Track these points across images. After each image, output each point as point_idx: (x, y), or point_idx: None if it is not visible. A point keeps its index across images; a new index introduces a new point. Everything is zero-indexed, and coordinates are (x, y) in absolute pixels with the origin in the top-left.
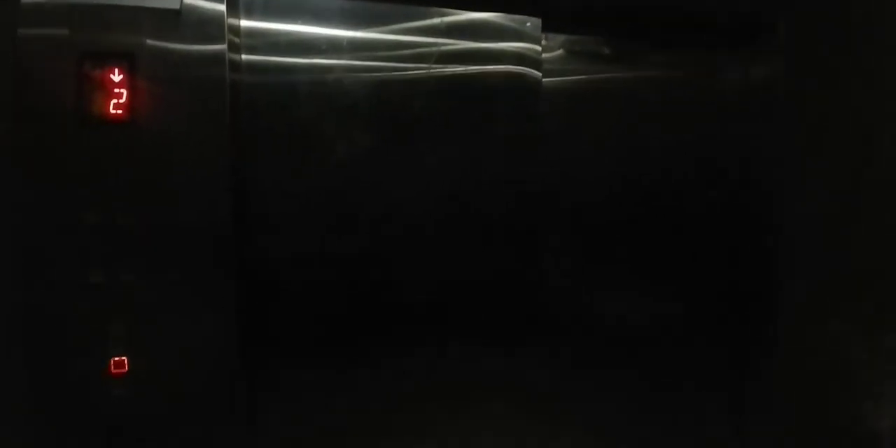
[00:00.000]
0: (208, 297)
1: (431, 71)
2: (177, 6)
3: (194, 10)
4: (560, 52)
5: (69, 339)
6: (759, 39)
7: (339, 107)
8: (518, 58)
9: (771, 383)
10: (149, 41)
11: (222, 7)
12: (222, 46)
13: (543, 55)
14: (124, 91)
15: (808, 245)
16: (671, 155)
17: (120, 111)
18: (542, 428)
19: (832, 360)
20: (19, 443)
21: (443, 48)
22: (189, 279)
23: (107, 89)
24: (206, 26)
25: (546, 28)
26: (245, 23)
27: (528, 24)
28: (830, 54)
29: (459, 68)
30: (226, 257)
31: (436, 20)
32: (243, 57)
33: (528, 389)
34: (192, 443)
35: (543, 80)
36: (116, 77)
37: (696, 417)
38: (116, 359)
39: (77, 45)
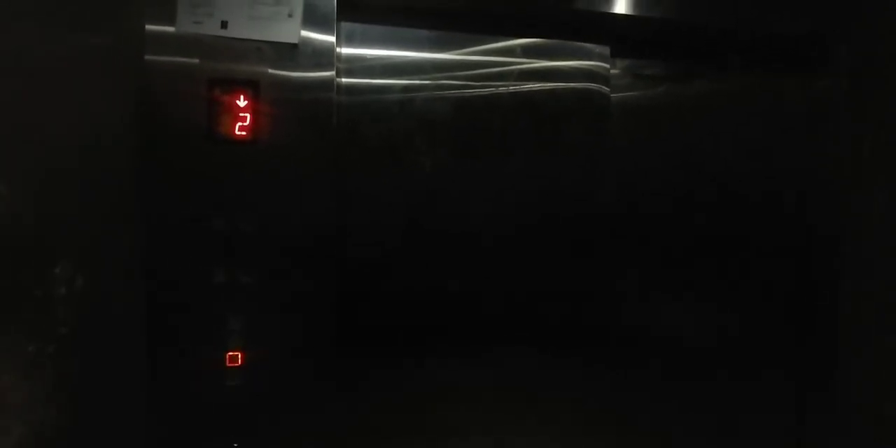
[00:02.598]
0: (313, 298)
1: (510, 89)
2: (295, 41)
3: (308, 41)
4: (626, 72)
5: (190, 334)
6: (819, 60)
7: (424, 123)
8: (588, 75)
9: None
10: (269, 70)
11: (332, 38)
12: (331, 73)
13: (612, 72)
14: (248, 114)
15: (872, 258)
16: (731, 169)
17: (244, 132)
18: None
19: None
20: (139, 430)
21: (520, 67)
22: (297, 281)
23: (233, 112)
24: (318, 55)
25: (614, 54)
26: (345, 50)
27: (598, 46)
28: (889, 72)
29: (536, 85)
30: (328, 262)
31: (512, 42)
32: (343, 80)
33: (583, 397)
34: (292, 427)
35: (612, 95)
36: (242, 102)
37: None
38: (232, 353)
39: (206, 72)
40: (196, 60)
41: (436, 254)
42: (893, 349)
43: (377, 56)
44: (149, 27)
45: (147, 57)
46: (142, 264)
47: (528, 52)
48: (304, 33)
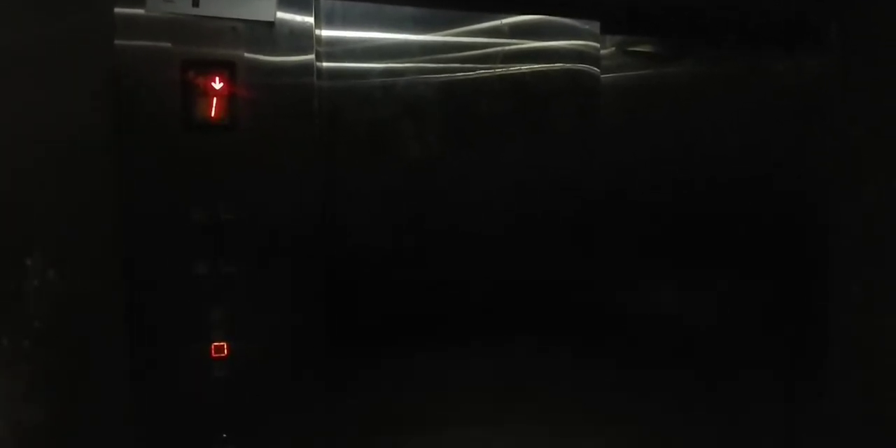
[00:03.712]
0: (299, 288)
1: (496, 71)
2: (272, 18)
3: (285, 21)
4: (617, 50)
5: (173, 327)
6: (811, 39)
7: (409, 108)
8: (578, 55)
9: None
10: (245, 52)
11: (311, 19)
12: (311, 56)
13: (602, 52)
14: (224, 98)
15: (862, 244)
16: (724, 152)
17: (220, 117)
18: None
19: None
20: (121, 426)
21: (507, 48)
22: (282, 271)
23: (208, 96)
24: (297, 37)
25: (604, 30)
26: (325, 32)
27: (588, 24)
28: (882, 54)
29: (523, 67)
30: (313, 252)
31: (498, 22)
32: (323, 64)
33: (573, 385)
34: (281, 420)
35: (602, 76)
36: (217, 84)
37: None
38: (217, 344)
39: (179, 55)
40: (168, 44)
41: (422, 242)
42: (880, 347)
43: (359, 38)
44: (117, 9)
45: (117, 41)
46: (119, 255)
47: (515, 31)
48: (281, 14)
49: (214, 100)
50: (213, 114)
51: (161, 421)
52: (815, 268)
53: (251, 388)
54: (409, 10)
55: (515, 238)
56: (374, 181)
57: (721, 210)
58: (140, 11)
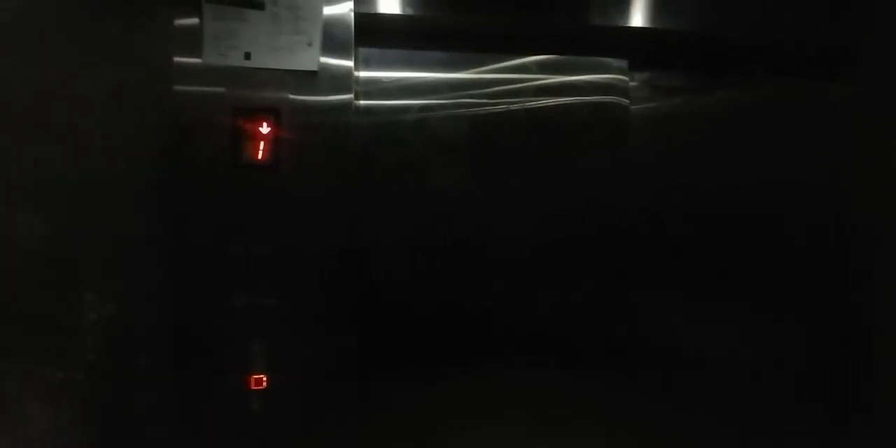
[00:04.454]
0: (334, 318)
1: (525, 105)
2: (315, 68)
3: (327, 67)
4: (645, 84)
5: (214, 358)
6: (839, 70)
7: (441, 142)
8: (606, 88)
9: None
10: (290, 96)
11: (350, 63)
12: (349, 96)
13: (630, 84)
14: (270, 140)
15: None
16: (755, 180)
17: (266, 157)
18: None
19: None
20: None
21: (536, 83)
22: (317, 302)
23: (255, 138)
24: (337, 81)
25: (633, 67)
26: (362, 74)
27: (617, 61)
28: None
29: (551, 100)
30: (348, 281)
31: (527, 59)
32: (360, 102)
33: (602, 411)
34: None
35: (631, 107)
36: (264, 128)
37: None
38: (256, 376)
39: (231, 101)
40: (221, 90)
41: (453, 272)
42: None
43: (393, 78)
44: (177, 60)
45: (176, 87)
46: (167, 290)
47: (544, 68)
48: (324, 59)
49: (261, 142)
50: (258, 155)
51: (204, 444)
52: (858, 292)
53: (288, 416)
54: (440, 52)
55: (542, 268)
56: (407, 212)
57: (756, 236)
58: (197, 61)
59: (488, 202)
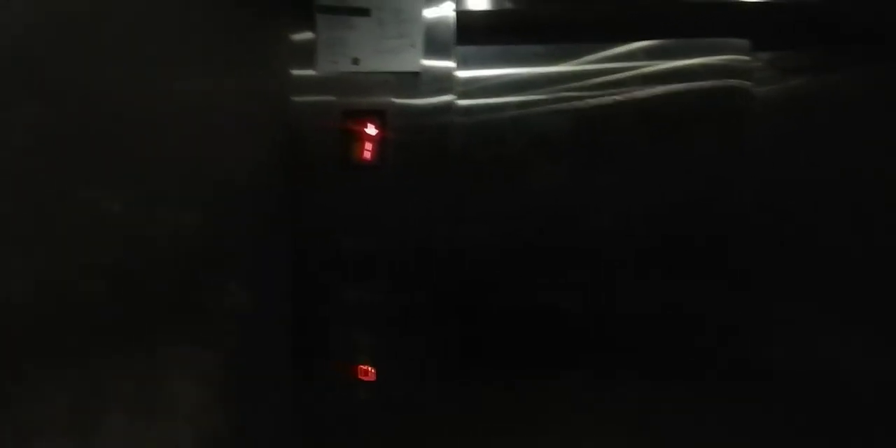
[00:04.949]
0: (435, 316)
1: (631, 95)
2: (418, 69)
3: (429, 68)
4: (769, 64)
5: (327, 348)
6: None
7: (543, 138)
8: (726, 70)
9: None
10: (394, 99)
11: (452, 64)
12: (450, 97)
13: (753, 65)
14: (375, 140)
15: None
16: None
17: (371, 157)
18: None
19: None
20: (285, 438)
21: (643, 70)
22: (421, 299)
23: (362, 139)
24: (438, 81)
25: (755, 47)
26: (462, 73)
27: (737, 41)
28: None
29: (661, 88)
30: (450, 280)
31: (634, 45)
32: (460, 102)
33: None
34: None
35: (754, 89)
36: (370, 130)
37: None
38: (364, 367)
39: (341, 106)
40: (332, 96)
41: (556, 272)
42: None
43: (493, 76)
44: (293, 71)
45: (292, 96)
46: (287, 283)
47: (652, 53)
48: (426, 62)
49: (367, 143)
50: (365, 155)
51: (316, 431)
52: None
53: (392, 406)
54: (539, 46)
55: (651, 270)
56: (508, 210)
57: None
58: (311, 72)
59: (593, 200)
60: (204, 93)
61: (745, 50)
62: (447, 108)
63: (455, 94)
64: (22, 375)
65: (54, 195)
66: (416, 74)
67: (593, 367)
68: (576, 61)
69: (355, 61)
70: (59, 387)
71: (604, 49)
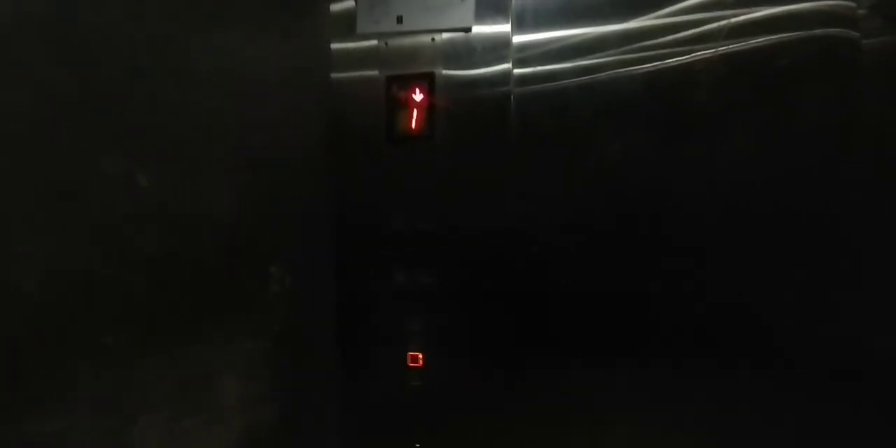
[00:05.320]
0: (491, 299)
1: (719, 50)
2: (470, 25)
3: (481, 30)
4: (874, 10)
5: (374, 334)
6: None
7: (611, 106)
8: (827, 18)
9: None
10: (443, 63)
11: (507, 26)
12: (507, 65)
13: (859, 12)
14: (424, 109)
15: None
16: None
17: (420, 127)
18: None
19: None
20: (334, 427)
21: (731, 21)
22: (474, 282)
23: (409, 107)
24: (492, 43)
25: None
26: (517, 38)
27: None
28: None
29: (754, 41)
30: (508, 264)
31: None
32: (515, 71)
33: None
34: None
35: (862, 41)
36: (417, 96)
37: None
38: (413, 354)
39: (385, 71)
40: (375, 63)
41: (628, 257)
42: None
43: (552, 39)
44: (333, 42)
45: (334, 64)
46: (334, 265)
47: (738, 1)
48: (478, 27)
49: (414, 111)
50: (412, 125)
51: (365, 418)
52: None
53: (444, 394)
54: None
55: (739, 255)
56: (574, 190)
57: None
58: (352, 38)
59: (672, 177)
60: (244, 62)
61: None
62: (505, 75)
63: (511, 62)
64: (62, 367)
65: (89, 171)
66: (467, 32)
67: (667, 355)
68: (649, 15)
69: (399, 20)
70: (100, 378)
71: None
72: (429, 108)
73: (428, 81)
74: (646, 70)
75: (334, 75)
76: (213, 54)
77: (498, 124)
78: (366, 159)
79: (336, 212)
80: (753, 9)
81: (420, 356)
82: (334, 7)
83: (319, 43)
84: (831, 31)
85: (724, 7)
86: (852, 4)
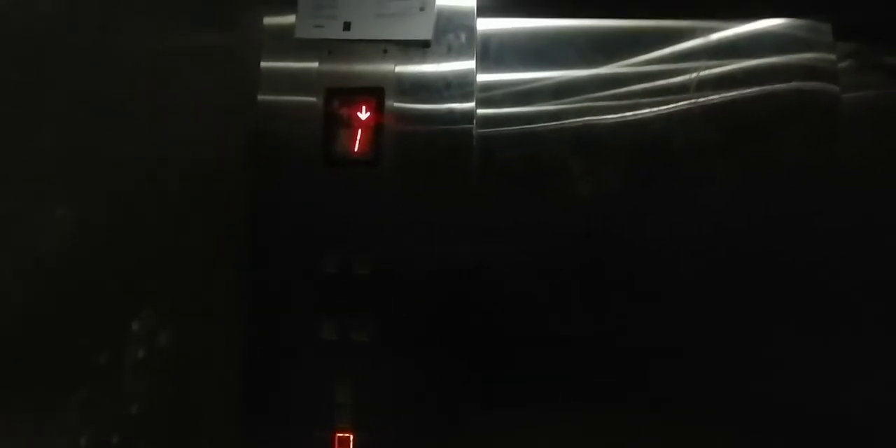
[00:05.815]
0: (447, 362)
1: (696, 101)
2: (428, 37)
3: (442, 40)
4: (855, 62)
5: (294, 408)
6: None
7: (580, 150)
8: (807, 71)
9: None
10: (397, 72)
11: (472, 64)
12: (470, 64)
13: (839, 65)
14: (370, 129)
15: None
16: None
17: (361, 148)
18: None
19: None
20: None
21: (704, 72)
22: (423, 334)
23: (353, 127)
24: (457, 87)
25: (838, 36)
26: (480, 77)
27: (815, 31)
28: None
29: (730, 93)
30: (464, 309)
31: (697, 41)
32: (478, 111)
33: None
34: None
35: (843, 95)
36: (363, 114)
37: None
38: (341, 435)
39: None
40: (314, 66)
41: (600, 304)
42: None
43: (518, 81)
44: (266, 19)
45: (263, 64)
46: (244, 316)
47: (714, 53)
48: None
49: (359, 131)
50: (355, 147)
51: None
52: None
53: None
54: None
55: (719, 294)
56: (536, 231)
57: None
58: (286, 41)
59: (642, 225)
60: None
61: (829, 47)
62: (467, 89)
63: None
64: None
65: None
66: (425, 45)
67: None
68: (623, 63)
69: (346, 27)
70: None
71: (658, 47)
72: (375, 129)
73: (376, 98)
74: (616, 119)
75: (264, 93)
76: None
77: (459, 148)
78: (295, 184)
79: (254, 246)
80: (727, 61)
81: (349, 438)
82: (269, 20)
83: (247, 54)
84: (810, 83)
85: (697, 58)
86: (831, 57)
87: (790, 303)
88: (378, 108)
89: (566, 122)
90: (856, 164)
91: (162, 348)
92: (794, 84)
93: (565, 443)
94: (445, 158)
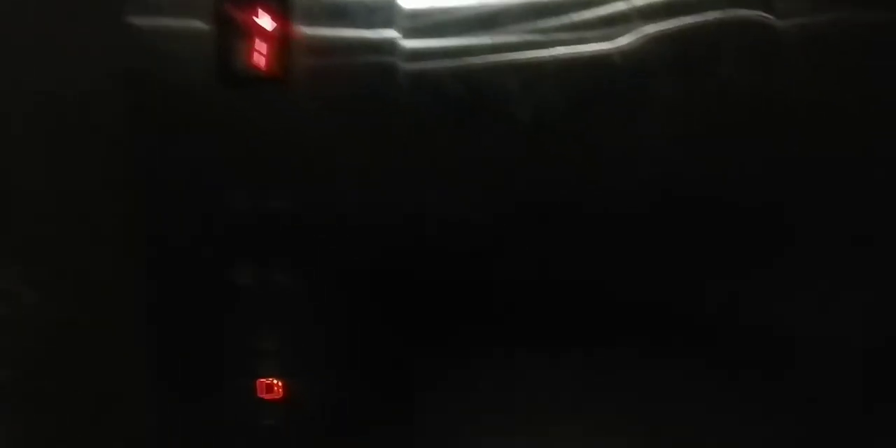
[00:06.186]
0: (371, 301)
1: (634, 30)
2: None
3: None
4: None
5: (209, 358)
6: None
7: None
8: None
9: None
10: None
11: None
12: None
13: None
14: (274, 38)
15: None
16: None
17: (267, 63)
18: None
19: None
20: None
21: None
22: (346, 278)
23: (251, 35)
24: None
25: None
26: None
27: None
28: None
29: (667, 23)
30: (396, 250)
31: None
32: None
33: None
34: None
35: (778, 25)
36: (265, 21)
37: None
38: (266, 381)
39: None
40: None
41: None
42: None
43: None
44: None
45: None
46: (142, 264)
47: None
48: None
49: (258, 43)
50: (256, 61)
51: None
52: None
53: (309, 429)
54: None
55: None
56: (473, 160)
57: None
58: None
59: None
60: None
61: None
62: (389, 7)
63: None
64: None
65: None
66: None
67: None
68: None
69: None
70: None
71: None
72: (281, 40)
73: (279, 2)
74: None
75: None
76: None
77: (380, 67)
78: (186, 107)
79: (147, 183)
80: None
81: (277, 384)
82: None
83: None
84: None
85: None
86: None
87: (734, 231)
88: (283, 14)
89: (503, 55)
90: (795, 93)
91: (27, 305)
92: (729, 12)
93: (505, 384)
94: (368, 75)
